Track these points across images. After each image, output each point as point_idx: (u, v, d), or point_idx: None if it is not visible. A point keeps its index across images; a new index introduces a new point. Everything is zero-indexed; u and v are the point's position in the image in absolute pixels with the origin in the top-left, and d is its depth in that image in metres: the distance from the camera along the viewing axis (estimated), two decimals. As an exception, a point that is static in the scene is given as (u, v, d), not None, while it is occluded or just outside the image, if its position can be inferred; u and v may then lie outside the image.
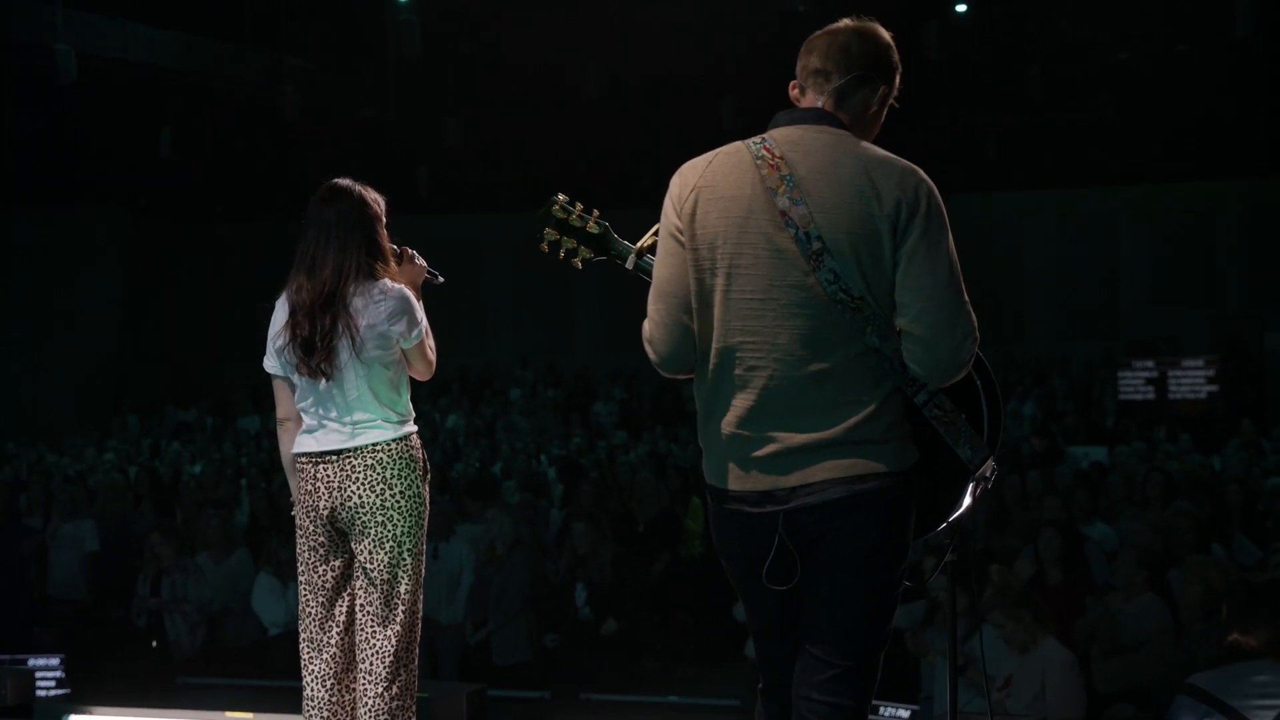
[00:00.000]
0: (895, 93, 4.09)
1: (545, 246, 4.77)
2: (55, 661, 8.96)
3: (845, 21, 4.06)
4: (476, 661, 11.01)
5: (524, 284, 25.92)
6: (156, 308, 25.46)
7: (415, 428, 5.22)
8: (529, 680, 10.81)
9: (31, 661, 8.94)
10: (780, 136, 3.92)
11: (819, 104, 3.99)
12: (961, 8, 18.90)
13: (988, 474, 3.98)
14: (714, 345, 3.90)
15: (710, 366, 3.92)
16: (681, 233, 3.93)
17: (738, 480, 3.91)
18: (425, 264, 5.42)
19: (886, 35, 4.06)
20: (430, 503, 5.24)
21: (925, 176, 3.86)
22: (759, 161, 3.87)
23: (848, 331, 3.79)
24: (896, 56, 4.08)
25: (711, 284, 3.89)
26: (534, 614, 11.13)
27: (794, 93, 4.06)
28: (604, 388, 23.53)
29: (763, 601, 4.03)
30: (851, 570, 3.87)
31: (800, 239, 3.78)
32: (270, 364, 5.22)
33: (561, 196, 4.78)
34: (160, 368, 25.59)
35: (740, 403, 3.88)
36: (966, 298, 3.82)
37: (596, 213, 4.77)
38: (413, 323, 5.11)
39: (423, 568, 5.19)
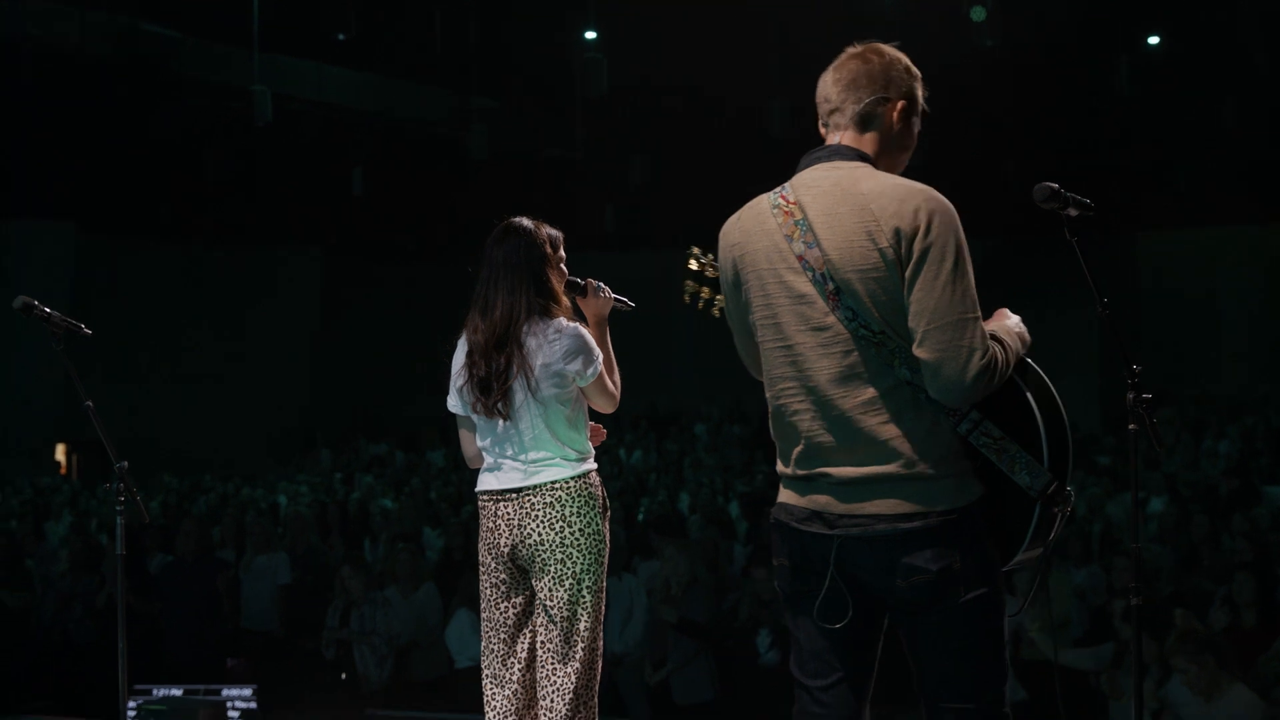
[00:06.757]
0: (921, 101, 4.08)
1: (686, 298, 4.94)
2: (248, 692, 9.14)
3: (847, 51, 4.09)
4: (659, 701, 10.95)
5: (709, 321, 25.83)
6: (348, 343, 25.84)
7: (594, 465, 5.22)
8: (710, 720, 10.69)
9: (225, 692, 9.13)
10: (798, 181, 3.97)
11: (838, 139, 4.02)
12: (1154, 40, 18.59)
13: (1058, 499, 3.85)
14: (768, 396, 4.01)
15: (770, 416, 4.03)
16: (732, 296, 4.10)
17: (793, 499, 3.96)
18: (612, 293, 5.45)
19: (891, 50, 4.07)
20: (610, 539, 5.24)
21: (932, 196, 3.81)
22: (775, 210, 3.93)
23: (877, 366, 3.80)
24: (907, 65, 4.07)
25: (759, 340, 4.02)
26: (713, 654, 10.99)
27: (822, 131, 4.10)
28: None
29: (806, 629, 4.01)
30: (926, 613, 3.82)
31: (817, 281, 3.82)
32: (453, 403, 5.26)
33: (695, 249, 4.92)
34: (351, 403, 25.95)
35: (794, 449, 3.93)
36: (977, 314, 3.76)
37: None
38: (589, 360, 5.11)
39: (603, 605, 5.18)
